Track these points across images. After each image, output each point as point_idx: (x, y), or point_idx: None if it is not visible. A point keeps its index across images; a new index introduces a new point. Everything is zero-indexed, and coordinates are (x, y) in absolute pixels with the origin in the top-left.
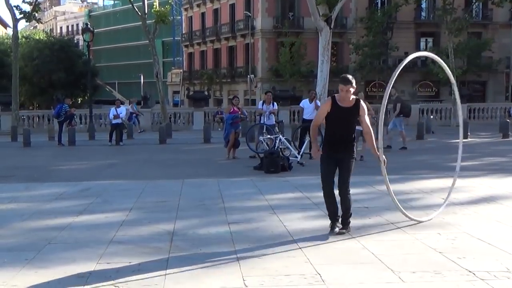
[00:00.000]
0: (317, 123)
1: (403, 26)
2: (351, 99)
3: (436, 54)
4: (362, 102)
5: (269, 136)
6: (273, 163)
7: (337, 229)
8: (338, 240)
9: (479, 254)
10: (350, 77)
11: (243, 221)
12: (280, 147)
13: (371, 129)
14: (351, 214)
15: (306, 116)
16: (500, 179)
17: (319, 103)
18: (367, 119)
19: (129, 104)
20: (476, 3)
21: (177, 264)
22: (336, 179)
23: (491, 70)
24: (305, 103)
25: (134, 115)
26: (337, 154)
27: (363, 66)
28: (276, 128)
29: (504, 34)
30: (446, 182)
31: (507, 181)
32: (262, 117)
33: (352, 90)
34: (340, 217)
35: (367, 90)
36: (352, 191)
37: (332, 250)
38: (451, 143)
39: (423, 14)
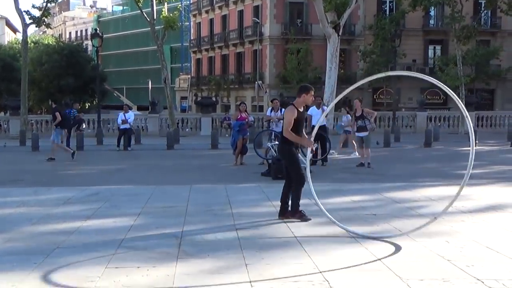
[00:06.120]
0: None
1: (411, 34)
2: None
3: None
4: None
5: (277, 142)
6: (281, 170)
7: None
8: (346, 247)
9: (488, 262)
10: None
11: (251, 227)
12: None
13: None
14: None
15: (315, 123)
16: (508, 187)
17: (326, 109)
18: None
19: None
20: (485, 11)
21: (185, 269)
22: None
23: (500, 78)
24: (313, 110)
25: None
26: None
27: (370, 73)
28: None
29: None
30: (455, 189)
31: None
32: (270, 124)
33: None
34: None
35: (374, 97)
36: (359, 198)
37: (340, 257)
38: (459, 150)
39: (432, 21)
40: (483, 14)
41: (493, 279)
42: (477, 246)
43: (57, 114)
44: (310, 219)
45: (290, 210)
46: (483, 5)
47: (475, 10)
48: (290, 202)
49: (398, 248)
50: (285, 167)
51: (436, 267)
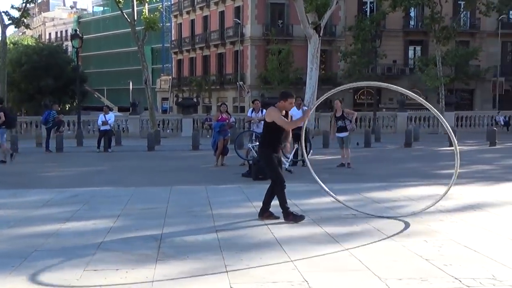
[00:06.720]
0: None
1: (391, 34)
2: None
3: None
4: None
5: (258, 143)
6: (262, 170)
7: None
8: (325, 247)
9: (466, 261)
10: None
11: (230, 228)
12: None
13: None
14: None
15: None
16: (487, 186)
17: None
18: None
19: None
20: (464, 12)
21: (164, 271)
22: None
23: (479, 79)
24: (293, 111)
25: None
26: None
27: (351, 74)
28: None
29: (491, 43)
30: (434, 189)
31: (494, 188)
32: (251, 125)
33: None
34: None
35: (355, 97)
36: (339, 198)
37: (319, 257)
38: (438, 150)
39: (412, 22)
40: (462, 15)
41: (471, 278)
42: (455, 245)
43: (1, 114)
44: (304, 218)
45: (283, 215)
46: (462, 6)
47: (454, 11)
48: (271, 204)
49: (377, 248)
50: (265, 169)
51: (414, 266)
